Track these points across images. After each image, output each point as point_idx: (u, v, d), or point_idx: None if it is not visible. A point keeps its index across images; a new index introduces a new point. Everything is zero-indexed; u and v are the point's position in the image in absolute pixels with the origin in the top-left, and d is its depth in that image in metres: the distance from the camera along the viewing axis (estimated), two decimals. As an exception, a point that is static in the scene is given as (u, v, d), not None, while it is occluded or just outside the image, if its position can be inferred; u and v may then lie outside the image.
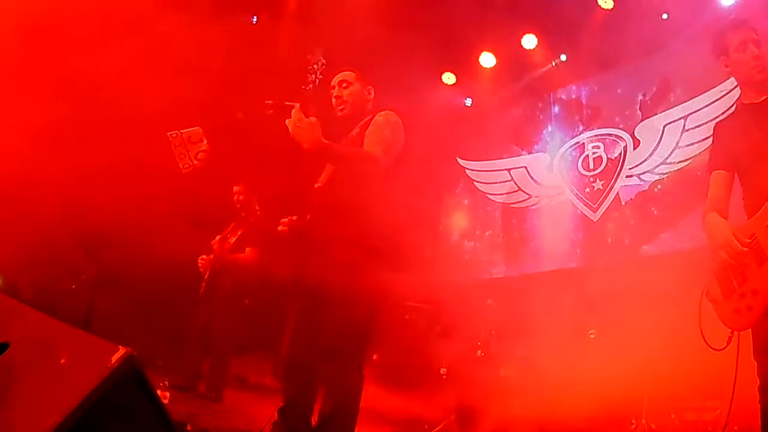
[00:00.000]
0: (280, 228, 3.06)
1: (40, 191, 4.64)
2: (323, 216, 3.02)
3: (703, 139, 5.65)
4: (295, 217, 3.08)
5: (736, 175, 2.88)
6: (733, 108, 3.11)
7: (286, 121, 2.84)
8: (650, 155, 6.34)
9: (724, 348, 2.64)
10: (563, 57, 7.18)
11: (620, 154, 6.62)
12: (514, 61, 7.36)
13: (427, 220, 7.94)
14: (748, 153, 2.77)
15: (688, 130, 6.03)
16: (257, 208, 5.80)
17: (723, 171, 2.89)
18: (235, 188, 5.88)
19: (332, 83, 3.23)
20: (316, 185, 3.12)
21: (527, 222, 7.38)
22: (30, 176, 4.36)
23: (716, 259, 2.72)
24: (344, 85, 3.21)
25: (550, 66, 7.26)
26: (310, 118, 2.81)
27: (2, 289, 5.61)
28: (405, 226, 3.15)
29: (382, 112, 3.13)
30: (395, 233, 3.02)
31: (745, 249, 2.60)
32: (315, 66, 3.12)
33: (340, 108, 3.20)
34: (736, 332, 2.62)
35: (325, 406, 2.96)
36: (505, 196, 7.61)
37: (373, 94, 3.24)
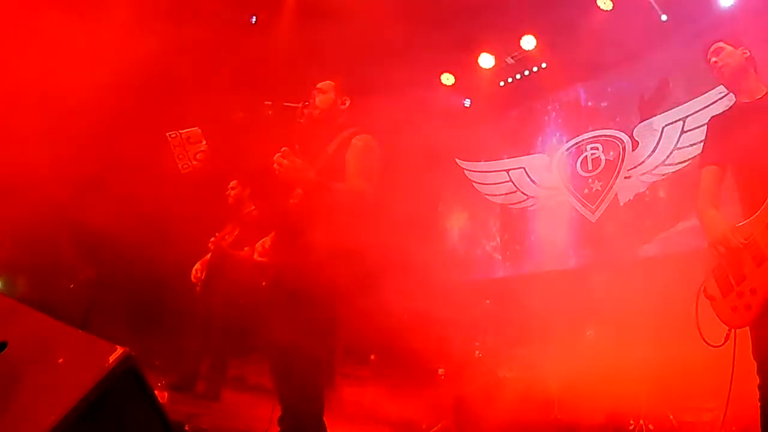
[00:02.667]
0: (256, 257, 3.16)
1: (39, 190, 4.64)
2: (296, 233, 3.06)
3: (702, 141, 5.65)
4: (267, 240, 3.18)
5: (729, 172, 2.91)
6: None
7: (275, 165, 2.92)
8: (649, 156, 6.35)
9: (721, 345, 2.66)
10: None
11: (619, 155, 6.63)
12: (513, 62, 7.36)
13: (425, 220, 7.94)
14: (744, 152, 2.79)
15: (687, 132, 6.04)
16: (252, 207, 5.80)
17: (715, 166, 2.93)
18: (232, 183, 5.88)
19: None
20: (291, 201, 3.15)
21: (525, 223, 7.38)
22: (29, 175, 4.36)
23: (713, 254, 2.74)
24: (319, 92, 3.32)
25: (537, 70, 7.32)
26: (297, 160, 2.92)
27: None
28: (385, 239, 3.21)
29: (360, 136, 3.21)
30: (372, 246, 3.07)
31: (741, 246, 2.63)
32: (306, 102, 3.23)
33: (312, 112, 3.29)
34: (733, 330, 2.65)
35: (286, 402, 2.98)
36: (503, 196, 7.62)
37: (348, 104, 3.33)
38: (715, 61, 2.95)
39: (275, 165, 2.93)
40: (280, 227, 3.23)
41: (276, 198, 3.34)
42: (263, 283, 3.22)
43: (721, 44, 2.96)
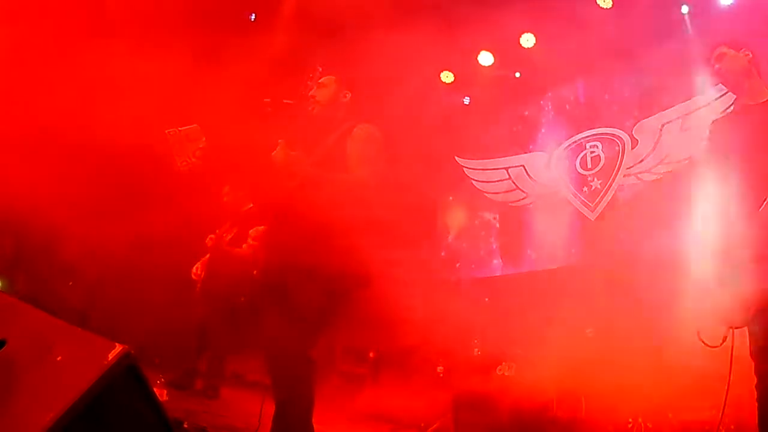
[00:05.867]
0: (250, 242, 3.14)
1: (40, 189, 4.63)
2: (291, 219, 3.04)
3: (702, 139, 5.65)
4: (261, 228, 3.17)
5: (732, 173, 2.90)
6: (732, 108, 3.15)
7: (272, 153, 2.91)
8: (648, 155, 6.35)
9: (719, 345, 2.66)
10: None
11: (618, 153, 6.63)
12: (512, 60, 7.36)
13: (424, 218, 7.94)
14: (746, 150, 2.79)
15: (686, 130, 6.04)
16: (250, 205, 5.79)
17: (720, 170, 2.92)
18: (225, 189, 5.88)
19: (311, 83, 3.30)
20: (286, 192, 3.14)
21: (525, 221, 7.38)
22: (29, 174, 4.36)
23: (712, 251, 2.75)
24: (320, 87, 3.30)
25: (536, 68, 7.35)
26: (292, 152, 2.91)
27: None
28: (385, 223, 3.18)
29: (362, 125, 3.18)
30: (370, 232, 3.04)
31: (738, 244, 2.64)
32: (311, 75, 3.20)
33: (312, 107, 3.27)
34: (731, 330, 2.65)
35: (276, 396, 2.96)
36: (502, 194, 7.61)
37: (349, 97, 3.31)
38: (719, 68, 2.94)
39: (273, 155, 2.92)
40: (275, 218, 3.20)
41: (272, 193, 3.31)
42: (254, 272, 3.20)
43: (723, 49, 2.94)
